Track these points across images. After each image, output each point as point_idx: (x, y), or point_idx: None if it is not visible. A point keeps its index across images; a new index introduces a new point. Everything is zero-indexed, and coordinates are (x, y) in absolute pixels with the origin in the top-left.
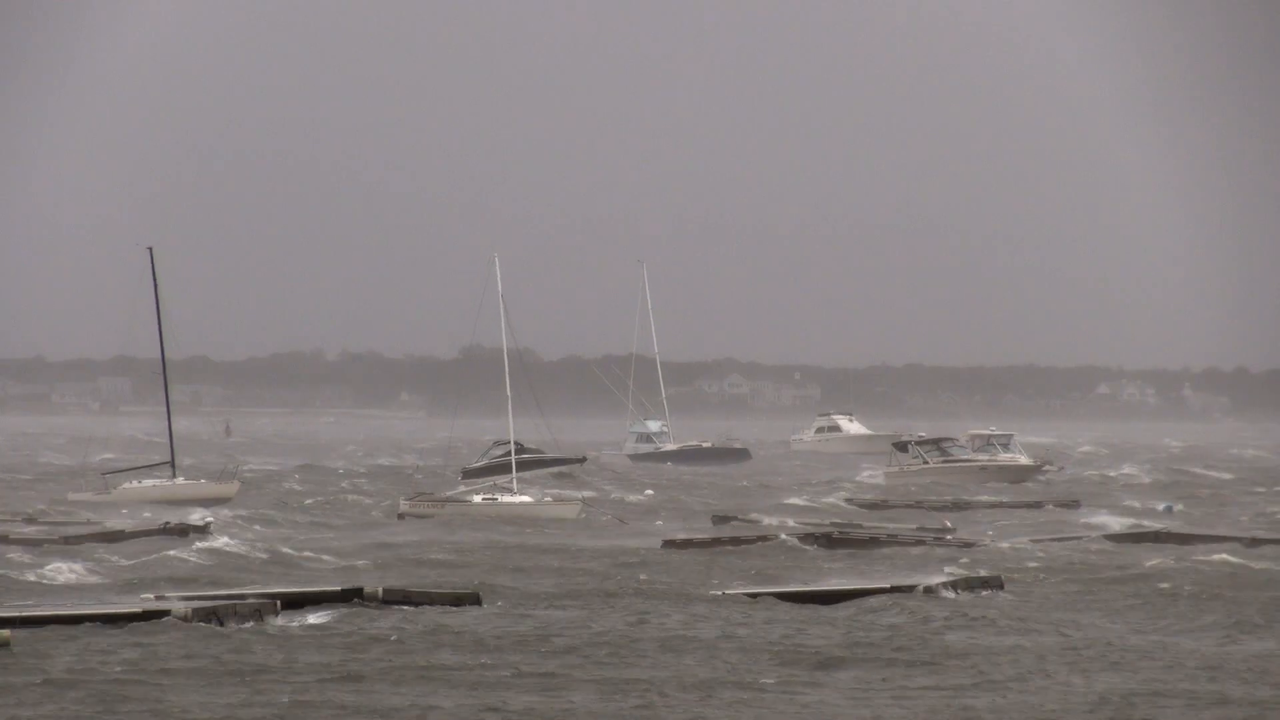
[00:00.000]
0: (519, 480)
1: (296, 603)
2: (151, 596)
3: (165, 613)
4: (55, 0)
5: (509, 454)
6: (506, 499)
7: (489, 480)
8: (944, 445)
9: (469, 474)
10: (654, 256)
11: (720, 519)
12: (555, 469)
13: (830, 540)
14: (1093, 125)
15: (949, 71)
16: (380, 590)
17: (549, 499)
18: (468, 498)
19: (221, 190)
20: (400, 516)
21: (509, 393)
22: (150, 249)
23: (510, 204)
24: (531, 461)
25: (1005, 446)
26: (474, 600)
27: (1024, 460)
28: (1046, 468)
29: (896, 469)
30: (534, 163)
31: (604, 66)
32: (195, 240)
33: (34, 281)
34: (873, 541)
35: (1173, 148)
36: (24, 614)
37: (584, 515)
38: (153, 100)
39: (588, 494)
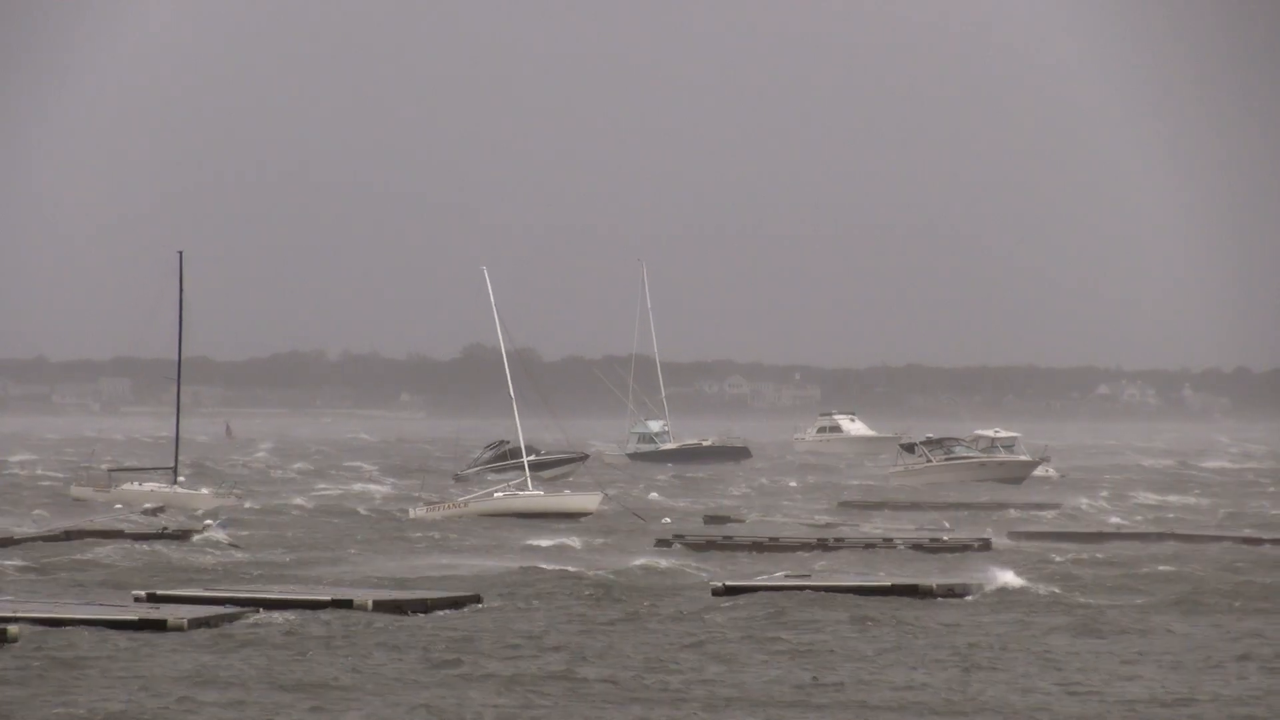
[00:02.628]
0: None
1: (291, 610)
2: (143, 594)
3: (163, 621)
4: (55, 1)
5: (502, 455)
6: (526, 494)
7: (487, 481)
8: (948, 445)
9: (461, 479)
10: (654, 257)
11: (712, 519)
12: (557, 469)
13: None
14: (1092, 125)
15: (948, 72)
16: (370, 602)
17: (568, 492)
18: (487, 496)
19: (222, 191)
20: (413, 517)
21: (512, 393)
22: (180, 252)
23: (511, 204)
24: (532, 462)
25: (1009, 449)
26: (475, 600)
27: (1023, 456)
28: (1044, 463)
29: (901, 469)
30: (535, 162)
31: (606, 67)
32: (196, 240)
33: (35, 282)
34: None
35: (1172, 148)
36: (24, 614)
37: (605, 508)
38: (153, 103)
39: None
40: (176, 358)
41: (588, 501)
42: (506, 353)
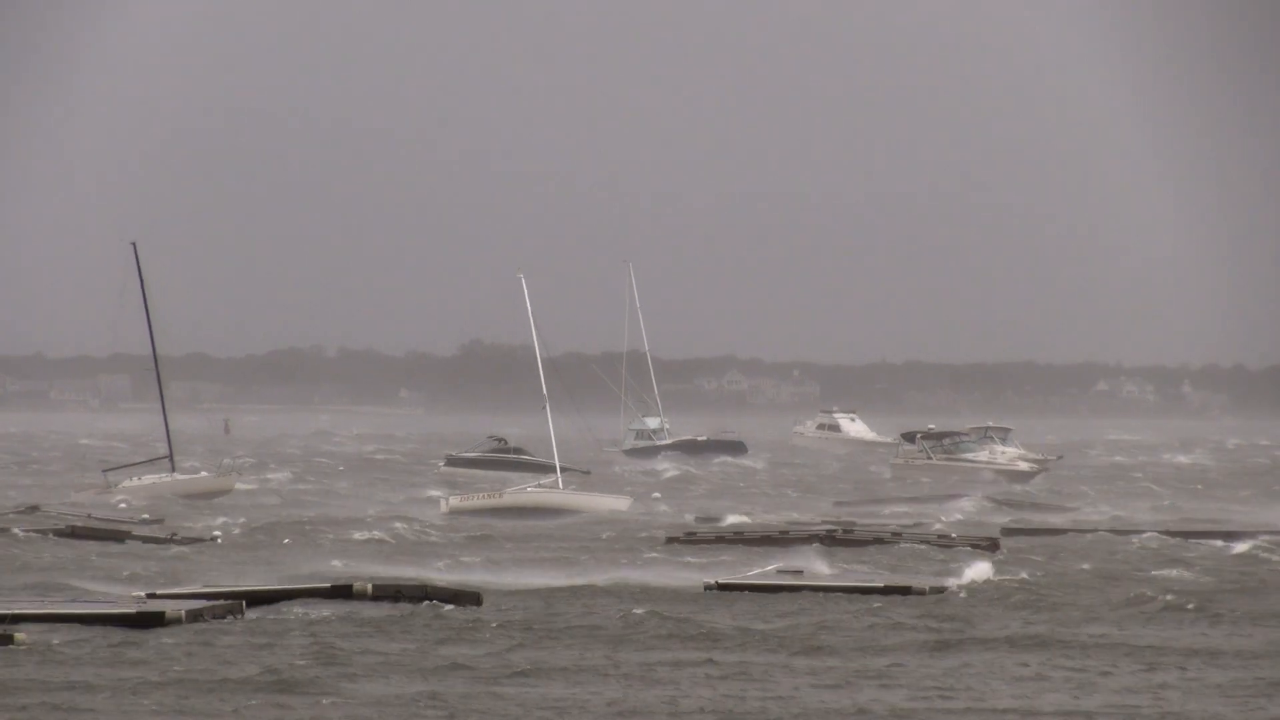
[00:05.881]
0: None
1: (284, 600)
2: (143, 594)
3: (160, 614)
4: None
5: (499, 451)
6: (560, 490)
7: (477, 475)
8: (949, 442)
9: (454, 462)
10: (653, 253)
11: (706, 517)
12: (552, 477)
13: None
14: (1091, 121)
15: (946, 68)
16: (369, 587)
17: (599, 492)
18: (521, 490)
19: (221, 187)
20: (447, 514)
21: (544, 391)
22: (134, 244)
23: (511, 200)
24: (532, 464)
25: (1003, 440)
26: (474, 600)
27: (1023, 466)
28: (1049, 467)
29: (902, 461)
30: (532, 159)
31: (607, 61)
32: (194, 237)
33: (33, 279)
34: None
35: (1171, 144)
36: (33, 611)
37: (634, 508)
38: (152, 97)
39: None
40: (151, 349)
41: (619, 502)
42: (541, 357)
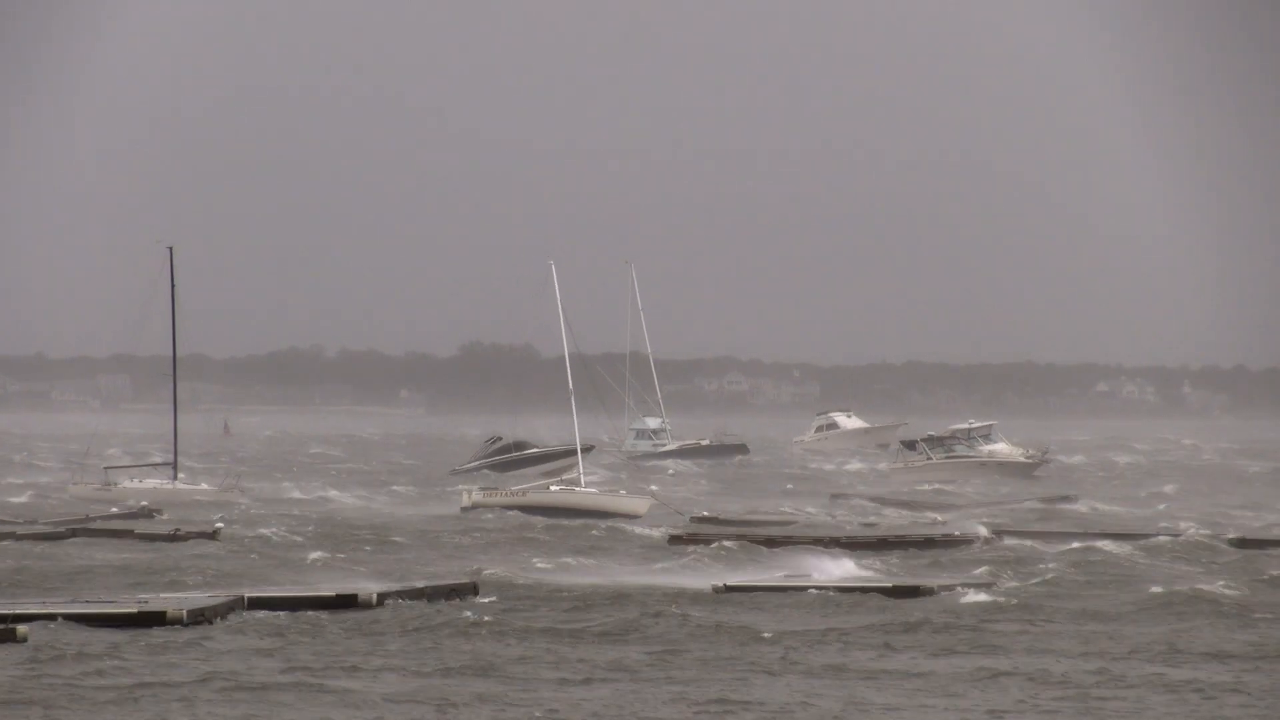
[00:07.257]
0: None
1: (290, 608)
2: (147, 596)
3: (161, 614)
4: None
5: (500, 450)
6: (581, 490)
7: (486, 477)
8: (949, 443)
9: (458, 473)
10: (652, 253)
11: (706, 518)
12: (564, 461)
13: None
14: (1092, 123)
15: (944, 67)
16: (375, 596)
17: (622, 491)
18: (543, 488)
19: (220, 187)
20: (466, 510)
21: (570, 387)
22: (170, 248)
23: (511, 200)
24: (536, 457)
25: (986, 438)
26: (471, 591)
27: (1021, 458)
28: (1045, 458)
29: (901, 465)
30: (531, 159)
31: (608, 62)
32: (194, 237)
33: (34, 278)
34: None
35: (1172, 144)
36: (38, 610)
37: (653, 509)
38: (152, 97)
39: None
40: (172, 354)
41: (639, 504)
42: (569, 350)
